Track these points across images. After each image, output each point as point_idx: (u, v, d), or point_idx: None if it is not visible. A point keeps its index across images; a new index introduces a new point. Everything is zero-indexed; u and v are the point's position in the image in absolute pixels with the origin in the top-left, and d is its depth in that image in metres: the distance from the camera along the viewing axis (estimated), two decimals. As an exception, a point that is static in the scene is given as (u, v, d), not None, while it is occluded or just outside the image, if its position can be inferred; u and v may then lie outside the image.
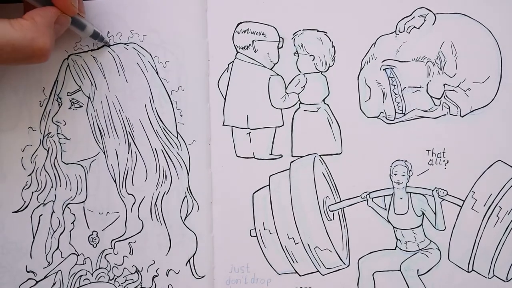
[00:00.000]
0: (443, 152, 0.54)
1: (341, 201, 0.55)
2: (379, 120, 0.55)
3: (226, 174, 0.55)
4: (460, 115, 0.54)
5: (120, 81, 0.55)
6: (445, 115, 0.54)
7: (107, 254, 0.55)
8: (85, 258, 0.55)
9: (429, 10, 0.54)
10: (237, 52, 0.55)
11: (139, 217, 0.55)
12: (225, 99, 0.55)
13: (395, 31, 0.54)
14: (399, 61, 0.54)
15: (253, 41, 0.55)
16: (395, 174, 0.54)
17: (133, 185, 0.55)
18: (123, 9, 0.55)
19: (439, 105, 0.54)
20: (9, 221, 0.55)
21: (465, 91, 0.54)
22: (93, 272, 0.55)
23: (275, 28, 0.55)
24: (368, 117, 0.55)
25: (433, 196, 0.54)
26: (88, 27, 0.53)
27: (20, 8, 0.53)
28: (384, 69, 0.54)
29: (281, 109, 0.55)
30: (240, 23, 0.55)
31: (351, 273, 0.55)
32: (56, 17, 0.48)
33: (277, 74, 0.55)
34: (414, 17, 0.54)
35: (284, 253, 0.55)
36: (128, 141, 0.55)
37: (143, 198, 0.55)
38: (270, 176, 0.55)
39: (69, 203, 0.55)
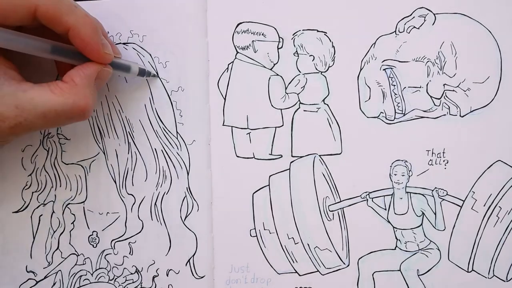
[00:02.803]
0: (443, 152, 0.54)
1: (341, 201, 0.55)
2: (379, 120, 0.55)
3: (226, 174, 0.55)
4: (460, 115, 0.54)
5: (120, 81, 0.55)
6: (445, 115, 0.54)
7: (107, 254, 0.55)
8: (85, 258, 0.55)
9: (429, 10, 0.54)
10: (237, 52, 0.55)
11: (139, 217, 0.55)
12: (225, 99, 0.55)
13: (395, 31, 0.54)
14: (399, 61, 0.54)
15: (253, 41, 0.55)
16: (395, 174, 0.54)
17: (133, 185, 0.55)
18: (122, 9, 0.55)
19: (439, 105, 0.54)
20: (9, 221, 0.55)
21: (465, 91, 0.54)
22: (93, 272, 0.55)
23: (275, 28, 0.55)
24: (368, 117, 0.55)
25: (433, 196, 0.54)
26: (132, 68, 0.52)
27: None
28: (384, 69, 0.54)
29: (281, 109, 0.55)
30: (240, 23, 0.55)
31: (351, 273, 0.55)
32: (96, 73, 0.48)
33: (277, 74, 0.55)
34: (414, 17, 0.54)
35: (284, 253, 0.55)
36: (128, 141, 0.55)
37: (143, 198, 0.55)
38: (270, 176, 0.55)
39: (69, 203, 0.55)
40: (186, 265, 0.55)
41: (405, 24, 0.54)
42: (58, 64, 0.52)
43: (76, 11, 0.46)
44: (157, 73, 0.55)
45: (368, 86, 0.55)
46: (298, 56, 0.55)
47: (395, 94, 0.54)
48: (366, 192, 0.55)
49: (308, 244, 0.54)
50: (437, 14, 0.54)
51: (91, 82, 0.47)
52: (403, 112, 0.54)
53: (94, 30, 0.47)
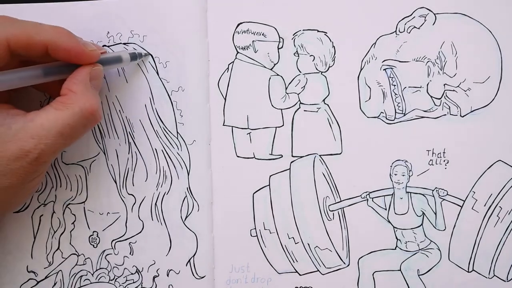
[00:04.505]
0: (443, 152, 0.54)
1: (341, 201, 0.55)
2: (379, 120, 0.55)
3: (226, 174, 0.55)
4: (461, 115, 0.54)
5: (120, 81, 0.55)
6: (445, 115, 0.54)
7: (107, 255, 0.55)
8: (85, 259, 0.55)
9: (429, 10, 0.54)
10: (237, 52, 0.55)
11: (139, 217, 0.55)
12: (225, 99, 0.55)
13: (395, 31, 0.54)
14: (399, 61, 0.54)
15: (253, 41, 0.55)
16: (395, 174, 0.54)
17: (133, 185, 0.55)
18: (123, 9, 0.55)
19: (439, 105, 0.54)
20: (10, 222, 0.55)
21: (465, 91, 0.54)
22: (93, 272, 0.55)
23: (275, 28, 0.55)
24: (368, 117, 0.55)
25: (433, 196, 0.54)
26: (123, 56, 0.52)
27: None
28: (384, 69, 0.54)
29: (281, 109, 0.55)
30: (240, 23, 0.55)
31: (351, 272, 0.55)
32: (88, 75, 0.48)
33: (277, 75, 0.55)
34: (414, 17, 0.54)
35: (284, 253, 0.55)
36: (129, 141, 0.55)
37: (144, 198, 0.55)
38: (270, 176, 0.55)
39: (69, 204, 0.55)
40: (186, 265, 0.55)
41: (405, 24, 0.54)
42: (48, 88, 0.52)
43: (43, 26, 0.46)
44: (148, 52, 0.55)
45: (368, 86, 0.55)
46: (298, 56, 0.55)
47: (396, 94, 0.54)
48: (366, 192, 0.55)
49: (308, 244, 0.54)
50: (437, 14, 0.54)
51: (87, 85, 0.47)
52: (404, 112, 0.54)
53: (69, 35, 0.47)
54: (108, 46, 0.55)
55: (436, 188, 0.54)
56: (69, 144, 0.47)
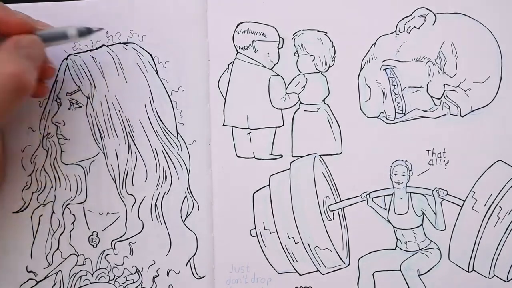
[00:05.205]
0: (443, 152, 0.54)
1: (341, 201, 0.55)
2: (379, 120, 0.55)
3: (226, 174, 0.55)
4: (461, 115, 0.54)
5: (119, 81, 0.55)
6: (445, 115, 0.54)
7: (107, 255, 0.55)
8: (85, 259, 0.55)
9: (429, 10, 0.54)
10: (237, 52, 0.55)
11: (139, 218, 0.55)
12: (225, 99, 0.55)
13: (395, 31, 0.54)
14: (399, 61, 0.54)
15: (253, 41, 0.55)
16: (395, 174, 0.54)
17: (133, 185, 0.55)
18: (122, 9, 0.55)
19: (439, 105, 0.54)
20: (10, 222, 0.55)
21: (465, 91, 0.54)
22: (93, 272, 0.55)
23: (275, 28, 0.55)
24: (368, 117, 0.55)
25: (433, 196, 0.54)
26: (68, 32, 0.49)
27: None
28: (384, 69, 0.54)
29: (281, 109, 0.55)
30: (240, 23, 0.55)
31: (351, 272, 0.55)
32: (13, 42, 0.46)
33: (277, 74, 0.55)
34: (414, 17, 0.54)
35: (284, 253, 0.55)
36: (128, 142, 0.55)
37: (143, 198, 0.55)
38: (270, 176, 0.55)
39: (69, 204, 0.55)
40: (186, 265, 0.55)
41: (405, 24, 0.54)
42: None
43: None
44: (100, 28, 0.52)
45: (368, 86, 0.55)
46: (298, 56, 0.55)
47: (396, 94, 0.54)
48: (366, 192, 0.55)
49: (309, 244, 0.54)
50: (437, 14, 0.54)
51: (11, 52, 0.45)
52: (404, 112, 0.54)
53: None
54: (107, 46, 0.55)
55: (436, 188, 0.54)
56: (2, 117, 0.45)
